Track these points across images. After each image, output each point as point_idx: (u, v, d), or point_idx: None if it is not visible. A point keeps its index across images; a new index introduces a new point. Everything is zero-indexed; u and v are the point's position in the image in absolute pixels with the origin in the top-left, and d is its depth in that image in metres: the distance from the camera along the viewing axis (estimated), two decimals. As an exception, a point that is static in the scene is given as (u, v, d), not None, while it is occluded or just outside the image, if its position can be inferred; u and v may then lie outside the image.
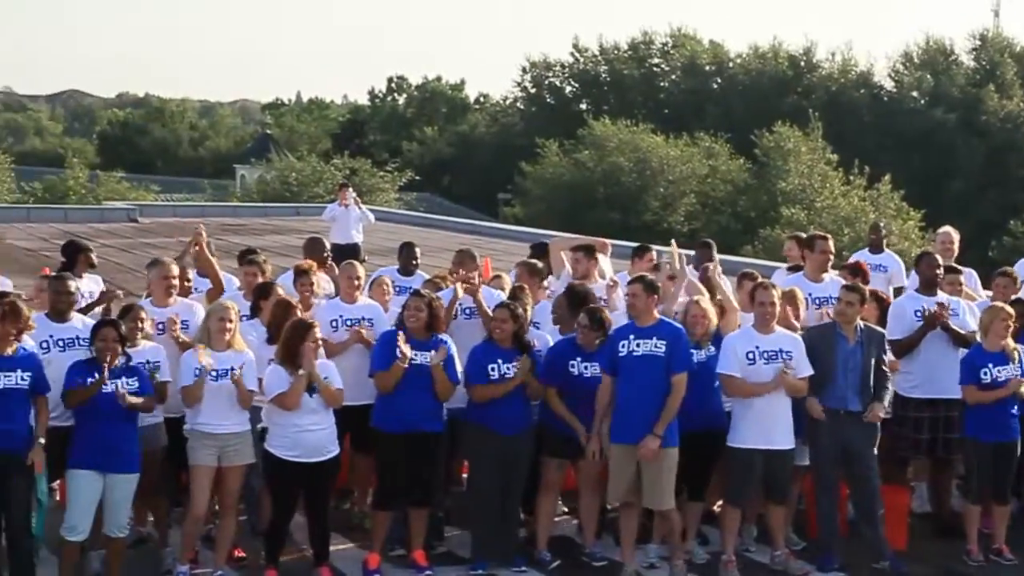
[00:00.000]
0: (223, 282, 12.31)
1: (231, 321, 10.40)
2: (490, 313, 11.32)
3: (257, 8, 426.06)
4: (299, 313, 10.89)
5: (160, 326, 11.05)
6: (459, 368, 10.83)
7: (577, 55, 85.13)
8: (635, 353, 10.57)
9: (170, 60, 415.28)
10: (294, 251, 26.09)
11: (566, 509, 12.14)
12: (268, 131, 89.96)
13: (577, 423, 10.83)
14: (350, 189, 26.31)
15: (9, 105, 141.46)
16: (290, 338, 10.30)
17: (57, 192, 55.42)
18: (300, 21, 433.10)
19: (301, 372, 10.17)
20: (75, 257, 12.52)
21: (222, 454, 10.27)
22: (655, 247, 13.87)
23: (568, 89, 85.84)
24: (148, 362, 10.39)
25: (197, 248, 12.46)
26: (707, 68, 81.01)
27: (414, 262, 13.62)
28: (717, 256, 12.28)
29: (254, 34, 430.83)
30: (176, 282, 11.52)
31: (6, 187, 57.84)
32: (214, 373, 10.19)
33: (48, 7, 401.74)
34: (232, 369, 10.24)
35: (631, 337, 10.62)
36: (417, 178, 65.64)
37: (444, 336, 10.88)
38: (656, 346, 10.55)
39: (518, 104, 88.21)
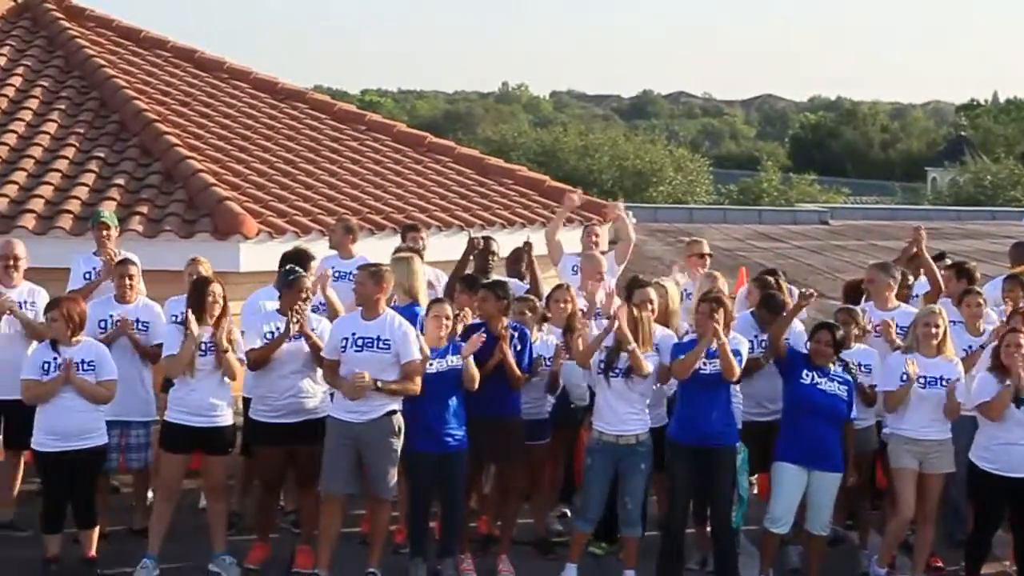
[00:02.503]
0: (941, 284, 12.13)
1: (938, 326, 10.23)
2: None
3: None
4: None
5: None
6: None
7: None
8: None
9: (862, 63, 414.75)
10: (989, 256, 25.25)
11: None
12: (962, 133, 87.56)
13: None
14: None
15: (707, 110, 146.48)
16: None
17: (751, 194, 56.76)
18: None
19: (1008, 382, 9.84)
20: None
21: (923, 460, 10.14)
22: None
23: None
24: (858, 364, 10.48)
25: (915, 250, 12.43)
26: None
27: None
28: None
29: (917, 35, 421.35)
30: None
31: (704, 188, 59.87)
32: (921, 380, 10.08)
33: (752, 15, 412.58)
34: (943, 378, 10.09)
35: None
36: None
37: None
38: None
39: None
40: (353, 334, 9.83)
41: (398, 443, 9.96)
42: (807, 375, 10.11)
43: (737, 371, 9.92)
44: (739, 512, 10.29)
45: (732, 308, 10.58)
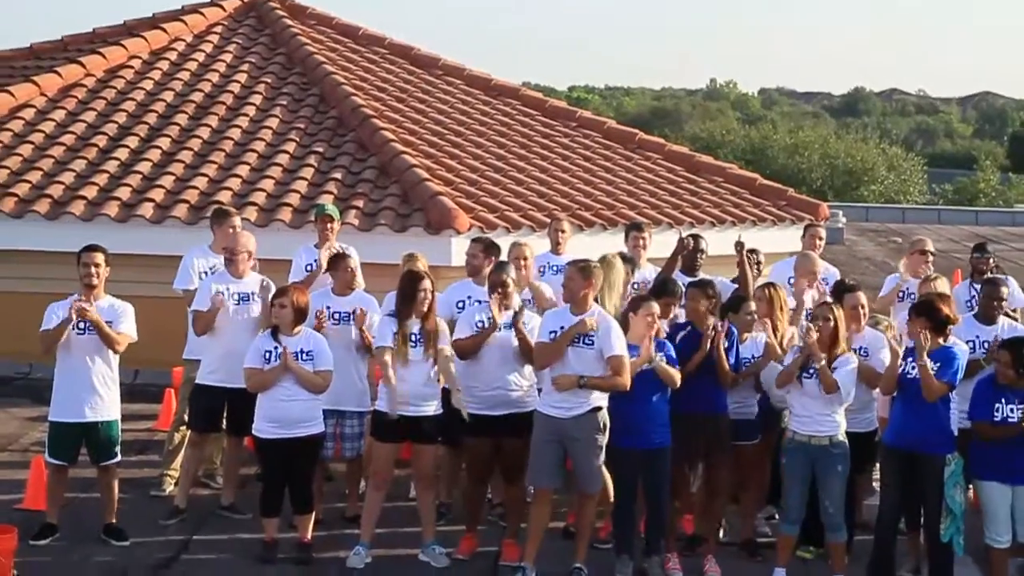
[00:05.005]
0: None
1: None
2: None
3: None
4: None
5: None
6: None
7: None
8: None
9: None
10: None
11: None
12: None
13: None
14: None
15: (922, 108, 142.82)
16: None
17: (967, 194, 55.34)
18: None
19: None
20: None
21: None
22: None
23: None
24: None
25: None
26: None
27: None
28: None
29: None
30: None
31: (917, 188, 58.52)
32: None
33: (968, 11, 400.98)
34: None
35: None
36: None
37: None
38: None
39: None
40: (562, 327, 9.87)
41: (603, 439, 9.96)
42: (998, 410, 9.76)
43: (934, 384, 9.63)
44: (952, 525, 9.91)
45: (952, 311, 10.25)
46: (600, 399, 9.91)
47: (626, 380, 9.76)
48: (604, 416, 9.94)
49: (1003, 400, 9.74)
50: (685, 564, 10.32)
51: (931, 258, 12.80)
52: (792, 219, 18.06)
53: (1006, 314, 11.46)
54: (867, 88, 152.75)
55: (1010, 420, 9.73)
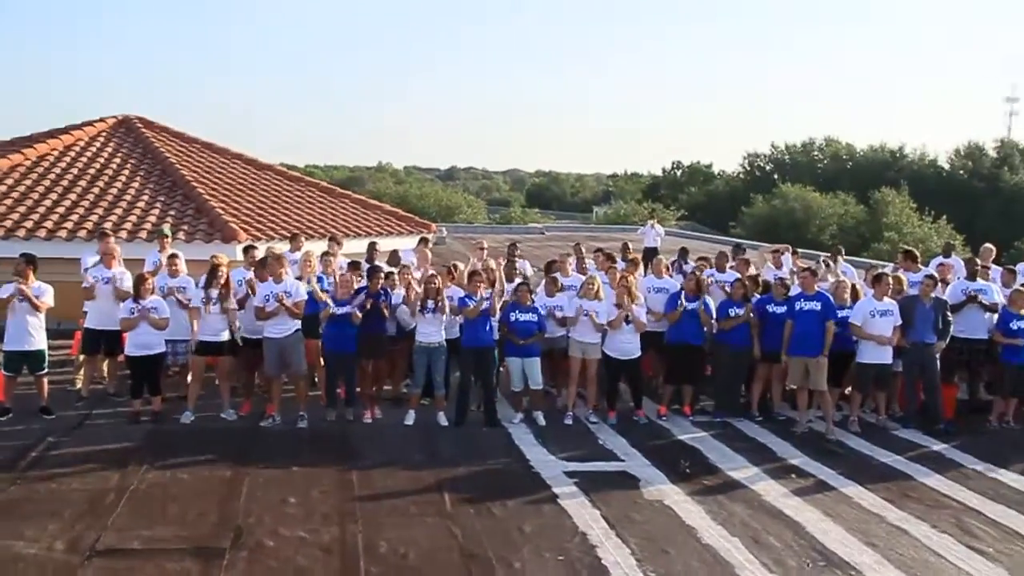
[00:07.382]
0: None
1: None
2: None
3: None
4: None
5: None
6: None
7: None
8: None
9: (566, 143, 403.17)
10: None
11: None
12: (611, 190, 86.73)
13: None
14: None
15: (486, 176, 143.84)
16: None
17: (506, 219, 55.98)
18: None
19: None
20: None
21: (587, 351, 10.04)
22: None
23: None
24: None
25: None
26: (843, 156, 73.13)
27: None
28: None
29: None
30: None
31: (482, 216, 59.15)
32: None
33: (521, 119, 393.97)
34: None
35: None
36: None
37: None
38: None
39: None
40: (272, 291, 9.44)
41: (302, 347, 9.50)
42: (512, 315, 9.84)
43: (471, 313, 9.58)
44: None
45: (501, 276, 10.35)
46: (298, 325, 9.43)
47: (300, 313, 9.39)
48: (300, 334, 9.46)
49: (518, 311, 9.79)
50: (357, 407, 9.98)
51: (484, 249, 12.35)
52: (416, 231, 18.01)
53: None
54: (458, 165, 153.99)
55: (520, 321, 9.75)
